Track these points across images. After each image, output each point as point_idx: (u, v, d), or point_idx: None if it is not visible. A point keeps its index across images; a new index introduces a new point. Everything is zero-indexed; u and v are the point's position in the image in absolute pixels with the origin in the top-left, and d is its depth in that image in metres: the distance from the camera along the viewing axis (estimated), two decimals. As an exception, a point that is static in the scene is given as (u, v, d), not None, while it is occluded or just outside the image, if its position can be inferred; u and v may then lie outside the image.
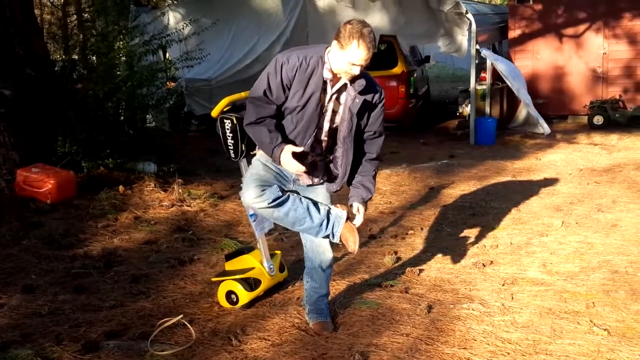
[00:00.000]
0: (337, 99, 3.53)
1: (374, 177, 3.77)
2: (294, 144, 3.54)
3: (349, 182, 3.74)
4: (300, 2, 11.85)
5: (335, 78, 3.46)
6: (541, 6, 12.09)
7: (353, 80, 3.45)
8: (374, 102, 3.58)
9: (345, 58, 3.32)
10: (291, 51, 3.51)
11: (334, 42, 3.37)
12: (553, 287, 4.42)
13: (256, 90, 3.50)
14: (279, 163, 3.50)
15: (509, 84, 10.98)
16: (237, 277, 4.24)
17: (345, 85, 3.48)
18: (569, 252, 5.14)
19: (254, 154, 3.82)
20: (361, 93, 3.47)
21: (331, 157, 3.70)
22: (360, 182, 3.73)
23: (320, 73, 3.43)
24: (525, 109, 11.64)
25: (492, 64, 11.14)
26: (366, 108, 3.56)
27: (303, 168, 3.50)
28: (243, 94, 4.23)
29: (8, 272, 4.99)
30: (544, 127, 10.90)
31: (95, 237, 5.86)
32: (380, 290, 4.45)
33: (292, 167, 3.47)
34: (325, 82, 3.46)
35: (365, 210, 3.79)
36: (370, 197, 3.77)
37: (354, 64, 3.32)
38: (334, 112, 3.56)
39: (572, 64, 12.05)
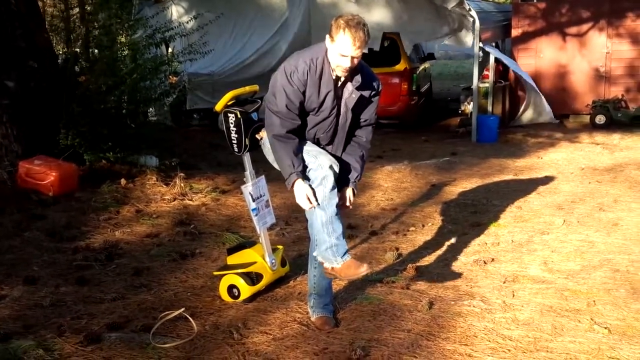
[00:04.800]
0: (341, 95, 3.57)
1: (362, 158, 3.76)
2: (314, 141, 3.65)
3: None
4: (305, -3, 11.85)
5: (337, 75, 3.50)
6: (545, 5, 12.08)
7: (350, 75, 3.47)
8: (369, 96, 3.64)
9: (336, 50, 3.36)
10: (296, 57, 3.52)
11: (327, 38, 3.41)
12: (554, 285, 4.43)
13: (277, 104, 3.48)
14: (291, 189, 3.53)
15: (515, 73, 11.01)
16: (239, 271, 4.24)
17: (345, 81, 3.52)
18: (570, 251, 5.15)
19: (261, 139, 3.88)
20: (358, 89, 3.53)
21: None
22: (347, 161, 3.73)
23: (329, 72, 3.47)
24: (530, 109, 11.65)
25: (495, 60, 11.15)
26: (361, 102, 3.62)
27: (309, 206, 3.51)
28: (247, 88, 4.25)
29: (10, 263, 5.00)
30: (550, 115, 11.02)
31: (97, 229, 5.87)
32: (381, 286, 4.46)
33: (303, 201, 3.50)
34: (336, 80, 3.48)
35: (355, 195, 3.79)
36: (358, 177, 3.76)
37: (343, 55, 3.34)
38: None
39: (575, 63, 12.04)
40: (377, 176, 7.92)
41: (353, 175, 3.73)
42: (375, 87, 3.64)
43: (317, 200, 3.50)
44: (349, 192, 3.73)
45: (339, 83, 3.53)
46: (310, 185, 3.50)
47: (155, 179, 7.30)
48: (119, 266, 4.99)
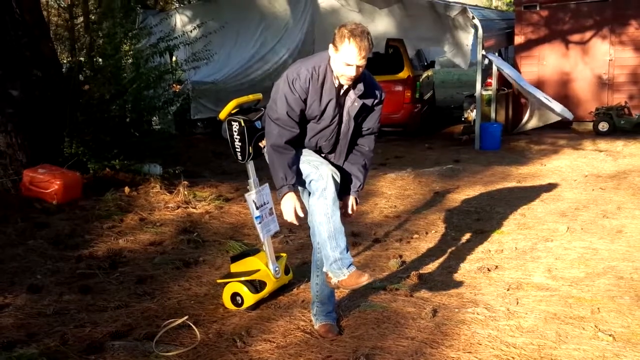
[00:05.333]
0: (343, 103, 3.57)
1: (365, 167, 3.75)
2: (316, 149, 3.65)
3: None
4: (309, 7, 11.88)
5: (341, 83, 3.50)
6: (548, 12, 12.09)
7: (354, 83, 3.47)
8: (372, 105, 3.63)
9: (340, 59, 3.35)
10: (299, 65, 3.52)
11: (330, 47, 3.41)
12: (558, 293, 4.42)
13: (277, 110, 3.48)
14: (280, 200, 3.55)
15: (516, 86, 10.93)
16: (243, 279, 4.25)
17: (348, 89, 3.52)
18: (574, 258, 5.14)
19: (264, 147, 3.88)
20: (360, 97, 3.53)
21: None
22: (349, 171, 3.73)
23: (331, 80, 3.46)
24: (535, 117, 11.61)
25: (498, 69, 11.15)
26: (364, 111, 3.62)
27: (296, 222, 3.56)
28: (251, 97, 4.27)
29: (14, 271, 5.01)
30: (566, 113, 10.83)
31: (101, 237, 5.88)
32: (385, 294, 4.45)
33: (289, 215, 3.54)
34: (338, 88, 3.49)
35: (357, 204, 3.78)
36: (360, 186, 3.75)
37: (348, 64, 3.34)
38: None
39: (578, 70, 12.04)
40: (381, 183, 7.92)
41: (355, 185, 3.72)
42: (378, 95, 3.64)
43: (320, 214, 3.50)
44: (351, 201, 3.73)
45: (341, 91, 3.53)
46: (303, 196, 3.51)
47: (159, 187, 7.32)
48: (123, 274, 4.99)
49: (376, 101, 3.63)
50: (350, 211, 3.74)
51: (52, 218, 6.36)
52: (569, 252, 5.28)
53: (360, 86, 3.51)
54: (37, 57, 7.53)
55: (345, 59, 3.33)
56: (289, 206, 3.52)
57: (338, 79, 3.46)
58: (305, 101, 3.48)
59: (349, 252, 3.56)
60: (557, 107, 10.95)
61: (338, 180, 3.55)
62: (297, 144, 3.57)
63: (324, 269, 3.65)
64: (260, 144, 3.99)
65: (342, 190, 3.67)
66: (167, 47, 8.59)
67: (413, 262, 5.18)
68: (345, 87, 3.50)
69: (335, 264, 3.52)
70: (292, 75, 3.47)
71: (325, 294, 3.92)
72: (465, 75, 21.80)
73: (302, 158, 3.60)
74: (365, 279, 3.52)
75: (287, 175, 3.50)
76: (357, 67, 3.35)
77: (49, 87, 7.56)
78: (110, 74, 7.96)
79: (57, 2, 15.56)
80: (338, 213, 3.51)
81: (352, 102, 3.54)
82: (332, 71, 3.46)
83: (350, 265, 3.53)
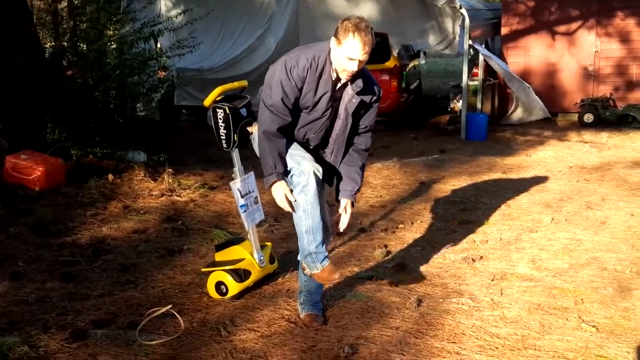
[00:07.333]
0: (339, 98, 3.52)
1: (362, 168, 3.71)
2: (303, 140, 3.60)
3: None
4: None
5: (339, 77, 3.44)
6: (534, 3, 12.11)
7: (352, 79, 3.42)
8: (370, 102, 3.57)
9: (343, 53, 3.29)
10: (298, 53, 3.45)
11: (332, 39, 3.34)
12: (542, 283, 4.44)
13: (271, 96, 3.42)
14: (269, 189, 3.52)
15: (503, 77, 10.99)
16: (227, 268, 4.22)
17: (345, 84, 3.46)
18: (558, 249, 5.16)
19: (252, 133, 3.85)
20: (359, 93, 3.47)
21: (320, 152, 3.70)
22: (346, 174, 3.69)
23: (329, 72, 3.41)
24: (520, 108, 11.66)
25: (484, 59, 11.16)
26: (362, 108, 3.56)
27: (290, 209, 3.53)
28: (236, 84, 4.23)
29: (-5, 259, 4.95)
30: (544, 110, 11.00)
31: (84, 225, 5.82)
32: (370, 284, 4.45)
33: (282, 203, 3.51)
34: (335, 82, 3.44)
35: (353, 207, 3.75)
36: (358, 189, 3.72)
37: (351, 59, 3.28)
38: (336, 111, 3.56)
39: (564, 62, 12.08)
40: (366, 173, 7.82)
41: (353, 189, 3.68)
42: (376, 92, 3.58)
43: (295, 200, 3.50)
44: (346, 204, 3.68)
45: (338, 85, 3.47)
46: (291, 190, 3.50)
47: (143, 174, 7.26)
48: (106, 262, 4.95)
49: (374, 98, 3.57)
50: (342, 211, 3.69)
51: (34, 205, 6.29)
52: (553, 243, 5.31)
53: (359, 82, 3.44)
54: (19, 41, 7.42)
55: (348, 53, 3.27)
56: (281, 194, 3.49)
57: (336, 72, 3.40)
58: (300, 90, 3.42)
59: (324, 246, 3.57)
60: (539, 103, 11.06)
61: (320, 175, 3.52)
62: (287, 133, 3.53)
63: (299, 258, 3.67)
64: (248, 128, 3.94)
65: (338, 193, 3.69)
66: (152, 33, 8.48)
67: (398, 252, 5.18)
68: (342, 81, 3.44)
69: (310, 257, 3.54)
70: (290, 62, 3.39)
71: (314, 284, 3.90)
72: (451, 66, 21.83)
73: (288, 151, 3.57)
74: (336, 277, 3.61)
75: (276, 164, 3.46)
76: (359, 62, 3.30)
77: (31, 72, 7.46)
78: (94, 60, 7.87)
79: (40, -15, 15.32)
80: (318, 209, 3.50)
81: (350, 98, 3.47)
82: (330, 63, 3.40)
83: (324, 260, 3.55)
